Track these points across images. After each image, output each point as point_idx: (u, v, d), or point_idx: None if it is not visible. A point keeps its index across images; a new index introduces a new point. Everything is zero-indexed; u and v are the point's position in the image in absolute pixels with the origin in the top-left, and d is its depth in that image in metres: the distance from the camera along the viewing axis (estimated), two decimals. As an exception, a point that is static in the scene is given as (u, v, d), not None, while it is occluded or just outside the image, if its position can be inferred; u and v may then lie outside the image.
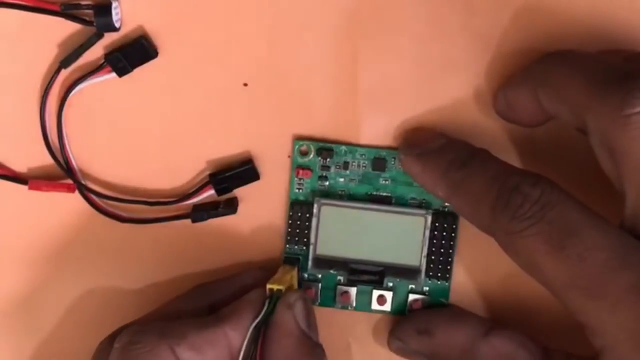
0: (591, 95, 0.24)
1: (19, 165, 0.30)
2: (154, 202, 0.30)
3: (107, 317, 0.31)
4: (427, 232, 0.29)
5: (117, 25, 0.28)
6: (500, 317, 0.30)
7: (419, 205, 0.30)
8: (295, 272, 0.29)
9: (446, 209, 0.30)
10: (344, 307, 0.30)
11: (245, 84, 0.29)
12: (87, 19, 0.28)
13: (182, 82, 0.29)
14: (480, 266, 0.30)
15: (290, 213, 0.30)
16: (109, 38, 0.29)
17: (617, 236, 0.23)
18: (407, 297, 0.30)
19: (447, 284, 0.30)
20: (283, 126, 0.30)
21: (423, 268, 0.30)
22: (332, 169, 0.30)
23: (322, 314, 0.30)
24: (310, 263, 0.30)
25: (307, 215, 0.30)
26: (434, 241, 0.30)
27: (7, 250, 0.31)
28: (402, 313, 0.30)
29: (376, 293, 0.30)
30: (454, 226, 0.30)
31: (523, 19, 0.29)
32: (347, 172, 0.30)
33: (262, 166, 0.30)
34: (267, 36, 0.29)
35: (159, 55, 0.29)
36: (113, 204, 0.30)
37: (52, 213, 0.30)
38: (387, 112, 0.29)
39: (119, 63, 0.29)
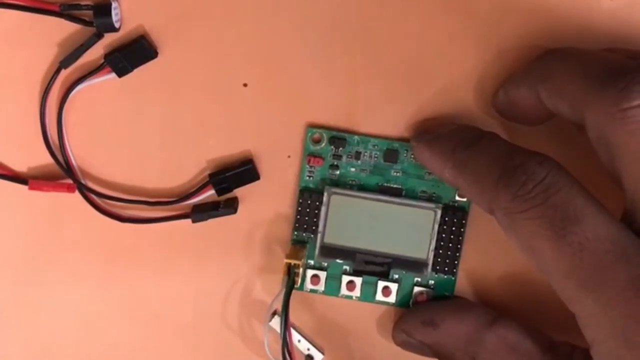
0: (589, 89, 0.24)
1: (19, 165, 0.30)
2: (154, 202, 0.30)
3: (106, 318, 0.32)
4: (436, 226, 0.29)
5: (116, 25, 0.28)
6: (505, 312, 0.30)
7: (429, 199, 0.30)
8: (305, 252, 0.30)
9: (456, 204, 0.30)
10: (348, 297, 0.31)
11: (245, 84, 0.29)
12: (87, 19, 0.28)
13: (182, 82, 0.29)
14: (486, 262, 0.30)
15: (300, 200, 0.30)
16: (109, 38, 0.29)
17: (619, 229, 0.23)
18: (412, 289, 0.30)
19: (453, 278, 0.30)
20: (283, 126, 0.30)
21: (430, 262, 0.30)
22: (344, 159, 0.30)
23: (325, 303, 0.31)
24: (317, 251, 0.30)
25: (317, 203, 0.30)
26: (443, 235, 0.30)
27: (7, 250, 0.31)
28: (406, 305, 0.31)
29: (381, 284, 0.30)
30: (463, 221, 0.30)
31: (525, 17, 0.29)
32: (359, 162, 0.30)
33: (262, 166, 0.30)
34: (267, 36, 0.29)
35: (159, 55, 0.29)
36: (113, 204, 0.30)
37: (52, 213, 0.30)
38: (386, 113, 0.29)
39: (118, 63, 0.29)
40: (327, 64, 0.29)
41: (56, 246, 0.31)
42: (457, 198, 0.30)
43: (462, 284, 0.30)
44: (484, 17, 0.29)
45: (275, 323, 0.30)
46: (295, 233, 0.30)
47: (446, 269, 0.30)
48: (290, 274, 0.29)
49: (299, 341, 0.31)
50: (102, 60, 0.29)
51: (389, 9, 0.29)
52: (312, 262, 0.30)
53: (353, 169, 0.30)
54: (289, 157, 0.30)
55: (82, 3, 0.28)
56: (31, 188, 0.30)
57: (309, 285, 0.30)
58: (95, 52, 0.29)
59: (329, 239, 0.30)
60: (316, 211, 0.30)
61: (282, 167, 0.30)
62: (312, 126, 0.30)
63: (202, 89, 0.29)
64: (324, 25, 0.29)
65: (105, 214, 0.30)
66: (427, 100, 0.29)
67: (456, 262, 0.30)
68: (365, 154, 0.30)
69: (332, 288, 0.31)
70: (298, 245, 0.30)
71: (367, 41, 0.29)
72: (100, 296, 0.31)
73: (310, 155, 0.30)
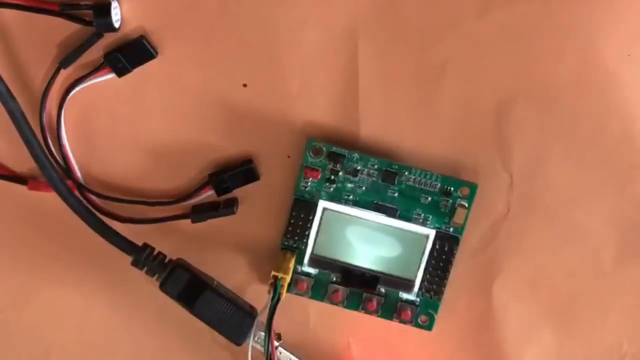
0: None
1: (19, 165, 0.30)
2: (154, 202, 0.30)
3: (106, 318, 0.32)
4: (427, 250, 0.30)
5: (116, 25, 0.28)
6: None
7: (423, 222, 0.30)
8: (293, 260, 0.30)
9: (450, 229, 0.30)
10: (333, 304, 0.31)
11: (245, 84, 0.29)
12: (87, 19, 0.28)
13: (182, 82, 0.29)
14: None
15: (293, 212, 0.30)
16: (109, 38, 0.29)
17: None
18: (397, 304, 0.31)
19: (438, 301, 0.30)
20: (283, 126, 0.30)
21: (417, 282, 0.30)
22: (341, 174, 0.29)
23: (323, 309, 0.31)
24: (306, 260, 0.30)
25: (310, 217, 0.30)
26: (433, 260, 0.30)
27: (7, 250, 0.31)
28: (388, 318, 0.31)
29: (366, 296, 0.30)
30: (454, 249, 0.30)
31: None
32: (356, 179, 0.29)
33: (262, 166, 0.30)
34: (266, 36, 0.29)
35: (159, 55, 0.29)
36: (113, 204, 0.30)
37: (52, 213, 0.30)
38: (386, 113, 0.29)
39: (118, 63, 0.29)
40: (328, 65, 0.29)
41: (56, 246, 0.31)
42: (451, 224, 0.30)
43: (447, 306, 0.31)
44: (488, 22, 0.29)
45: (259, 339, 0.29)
46: (285, 242, 0.30)
47: (432, 291, 0.30)
48: (277, 287, 0.28)
49: (280, 353, 0.30)
50: (102, 60, 0.29)
51: (387, 15, 0.29)
52: (300, 268, 0.30)
53: (350, 185, 0.30)
54: (289, 157, 0.30)
55: (82, 3, 0.28)
56: (31, 188, 0.30)
57: (295, 289, 0.30)
58: (95, 52, 0.29)
59: (319, 251, 0.30)
60: (308, 225, 0.30)
61: (282, 167, 0.30)
62: (312, 138, 0.29)
63: (202, 89, 0.29)
64: (324, 25, 0.29)
65: (105, 214, 0.30)
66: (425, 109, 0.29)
67: (443, 287, 0.30)
68: (364, 171, 0.29)
69: (318, 294, 0.31)
70: (288, 253, 0.30)
71: (373, 41, 0.29)
72: (100, 296, 0.31)
73: (307, 168, 0.29)
